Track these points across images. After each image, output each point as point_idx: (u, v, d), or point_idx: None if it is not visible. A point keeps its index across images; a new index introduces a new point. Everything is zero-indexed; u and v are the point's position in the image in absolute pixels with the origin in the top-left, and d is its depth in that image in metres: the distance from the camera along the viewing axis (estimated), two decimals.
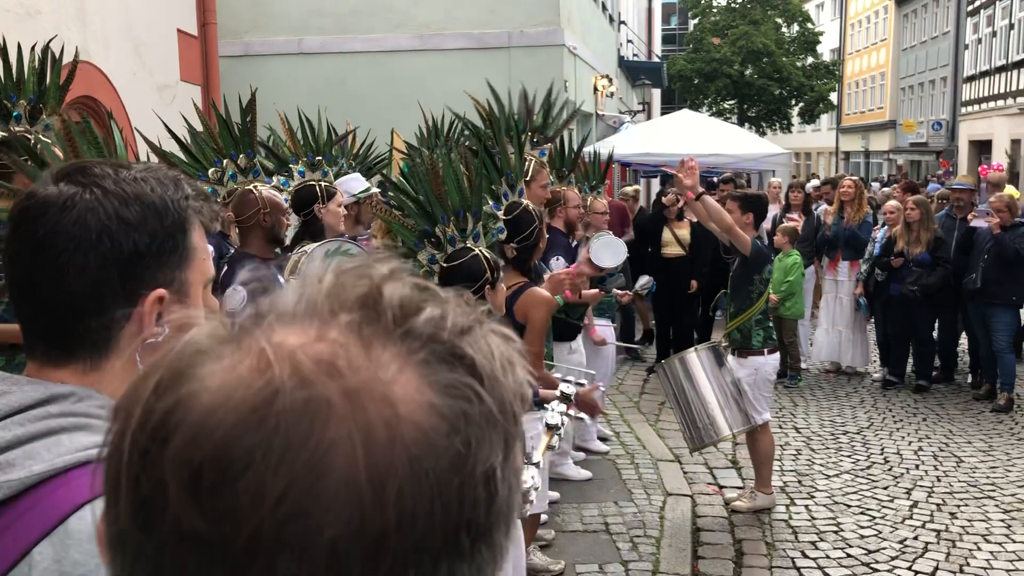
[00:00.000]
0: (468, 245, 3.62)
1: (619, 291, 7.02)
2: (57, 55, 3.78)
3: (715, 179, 12.59)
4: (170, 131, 4.53)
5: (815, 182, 14.69)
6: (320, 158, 5.43)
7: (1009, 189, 9.90)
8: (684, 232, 9.39)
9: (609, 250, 6.03)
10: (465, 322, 0.55)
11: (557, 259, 5.67)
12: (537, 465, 3.42)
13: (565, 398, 3.74)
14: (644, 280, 7.96)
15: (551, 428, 3.58)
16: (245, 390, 0.49)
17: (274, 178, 5.11)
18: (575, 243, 6.39)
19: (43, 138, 3.43)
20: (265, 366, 0.50)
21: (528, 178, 5.17)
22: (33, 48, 3.81)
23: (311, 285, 0.56)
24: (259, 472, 0.48)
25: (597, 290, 5.94)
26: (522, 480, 0.58)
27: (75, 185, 1.18)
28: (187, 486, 0.48)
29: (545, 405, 3.80)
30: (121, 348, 1.19)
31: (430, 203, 3.68)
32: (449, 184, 3.67)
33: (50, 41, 3.77)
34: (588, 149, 8.15)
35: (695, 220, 8.96)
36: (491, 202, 4.42)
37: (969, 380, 9.20)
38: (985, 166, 14.22)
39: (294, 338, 0.52)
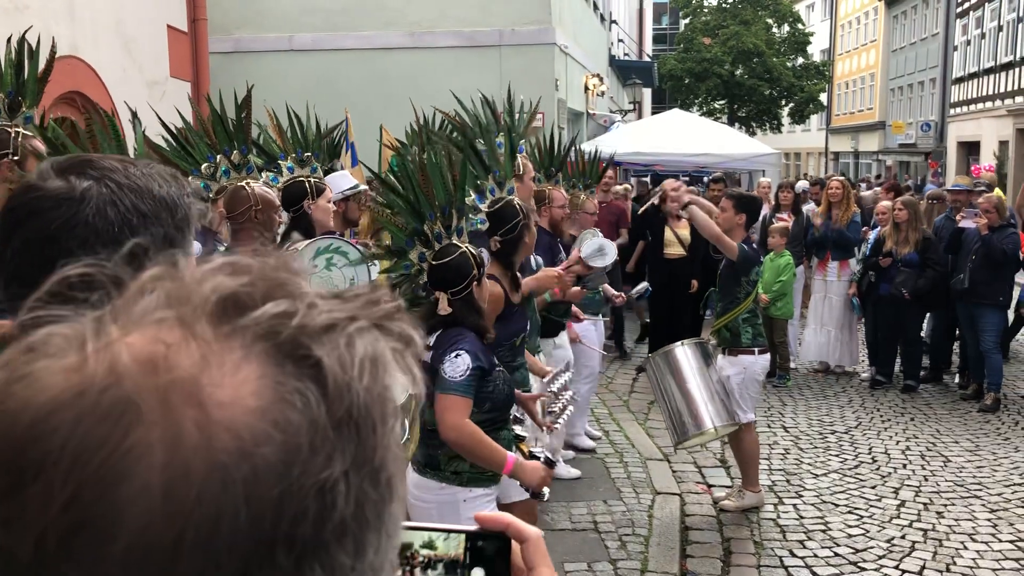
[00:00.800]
0: (455, 242, 3.62)
1: (613, 293, 7.04)
2: (34, 47, 3.74)
3: (705, 179, 12.62)
4: (164, 125, 4.51)
5: (804, 183, 14.74)
6: (309, 154, 5.41)
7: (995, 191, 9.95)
8: (685, 232, 9.37)
9: (600, 251, 6.04)
10: (323, 320, 0.52)
11: (537, 259, 5.66)
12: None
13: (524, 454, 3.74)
14: (641, 287, 8.00)
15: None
16: (52, 390, 0.47)
17: (263, 174, 5.09)
18: (562, 242, 6.38)
19: (25, 131, 3.40)
20: (81, 364, 0.48)
21: (520, 172, 5.19)
22: (9, 40, 3.78)
23: (150, 284, 0.53)
24: (49, 477, 0.45)
25: (579, 288, 5.94)
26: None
27: (87, 178, 1.16)
28: None
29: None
30: None
31: (419, 201, 3.68)
32: (435, 180, 3.67)
33: (26, 32, 3.73)
34: (587, 147, 8.16)
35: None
36: (474, 195, 4.41)
37: (956, 380, 9.25)
38: (977, 166, 14.31)
39: (123, 335, 0.49)
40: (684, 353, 5.73)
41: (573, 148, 6.99)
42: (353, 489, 0.50)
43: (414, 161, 3.87)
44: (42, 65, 3.80)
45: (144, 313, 0.51)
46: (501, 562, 0.77)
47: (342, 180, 5.64)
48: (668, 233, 9.49)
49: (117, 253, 1.12)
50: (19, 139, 3.38)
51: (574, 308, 6.32)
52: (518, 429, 3.71)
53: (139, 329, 0.50)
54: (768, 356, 6.02)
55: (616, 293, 7.12)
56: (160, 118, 4.58)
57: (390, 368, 0.53)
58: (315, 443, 0.49)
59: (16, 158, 3.34)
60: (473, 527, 0.79)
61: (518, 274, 4.51)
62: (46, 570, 0.45)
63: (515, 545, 0.77)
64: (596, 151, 7.59)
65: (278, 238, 4.48)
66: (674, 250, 9.49)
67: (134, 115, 3.65)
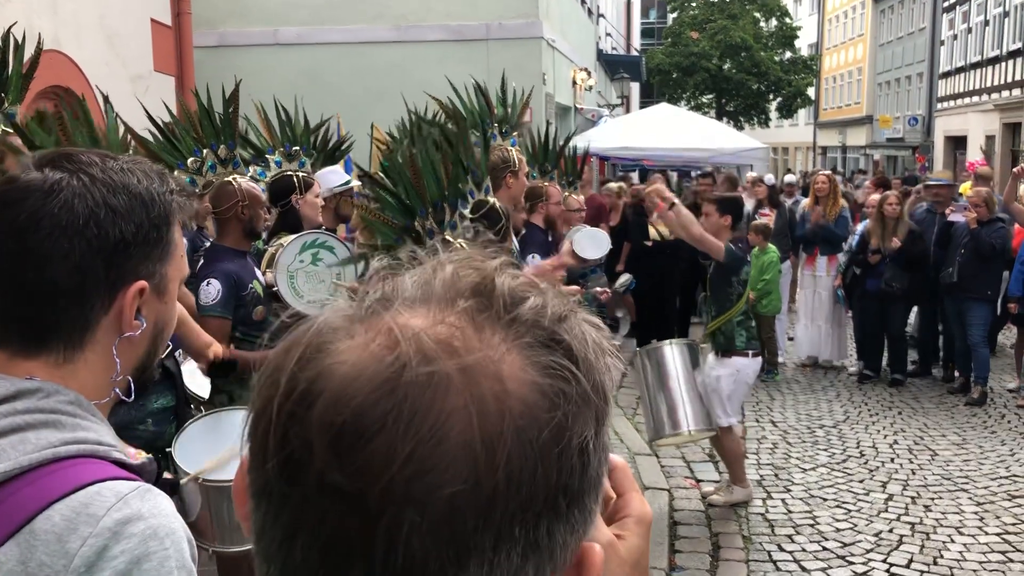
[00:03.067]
0: (447, 237, 3.58)
1: (598, 289, 7.00)
2: (19, 41, 3.68)
3: (693, 174, 12.59)
4: (151, 119, 4.47)
5: (791, 177, 14.74)
6: (297, 148, 5.37)
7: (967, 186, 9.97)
8: (665, 229, 9.42)
9: (592, 242, 5.99)
10: (562, 311, 0.62)
11: (533, 257, 5.62)
12: None
13: None
14: (624, 279, 7.97)
15: None
16: (377, 364, 0.56)
17: (251, 168, 5.05)
18: (557, 241, 6.35)
19: (6, 128, 3.36)
20: (394, 344, 0.57)
21: (515, 168, 5.11)
22: None
23: (430, 273, 0.63)
24: (390, 435, 0.54)
25: (576, 287, 5.91)
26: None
27: (61, 171, 1.16)
28: (330, 445, 0.55)
29: None
30: (97, 340, 1.18)
31: (409, 197, 3.64)
32: (427, 176, 3.63)
33: (11, 27, 3.68)
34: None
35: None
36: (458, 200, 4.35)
37: (942, 374, 9.28)
38: (972, 161, 14.34)
39: (417, 320, 0.59)
40: (672, 353, 5.70)
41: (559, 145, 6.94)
42: (599, 449, 0.61)
43: (404, 157, 3.81)
44: (27, 62, 3.75)
45: (429, 301, 0.60)
46: None
47: (334, 176, 5.60)
48: (652, 231, 9.51)
49: (84, 246, 1.11)
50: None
51: None
52: None
53: (430, 315, 0.59)
54: (760, 360, 6.00)
55: (601, 289, 7.10)
56: (148, 112, 4.54)
57: (607, 352, 0.64)
58: (576, 411, 0.58)
59: None
60: None
61: None
62: (390, 510, 0.54)
63: None
64: (573, 147, 7.53)
65: (265, 233, 4.45)
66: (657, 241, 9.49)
67: (106, 99, 3.60)
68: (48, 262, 1.13)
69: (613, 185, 11.61)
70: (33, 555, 1.00)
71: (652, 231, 9.50)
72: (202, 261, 3.99)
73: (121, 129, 4.09)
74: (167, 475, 2.48)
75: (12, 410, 1.08)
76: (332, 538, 0.56)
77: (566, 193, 6.75)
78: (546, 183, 6.12)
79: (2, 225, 1.15)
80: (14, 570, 1.00)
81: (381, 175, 4.04)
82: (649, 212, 9.40)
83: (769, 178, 12.72)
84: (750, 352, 5.73)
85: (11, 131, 3.40)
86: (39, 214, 1.13)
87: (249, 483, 0.61)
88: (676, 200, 5.78)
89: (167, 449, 3.03)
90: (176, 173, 4.30)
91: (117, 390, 1.22)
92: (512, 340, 0.59)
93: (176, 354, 3.50)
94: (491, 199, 4.36)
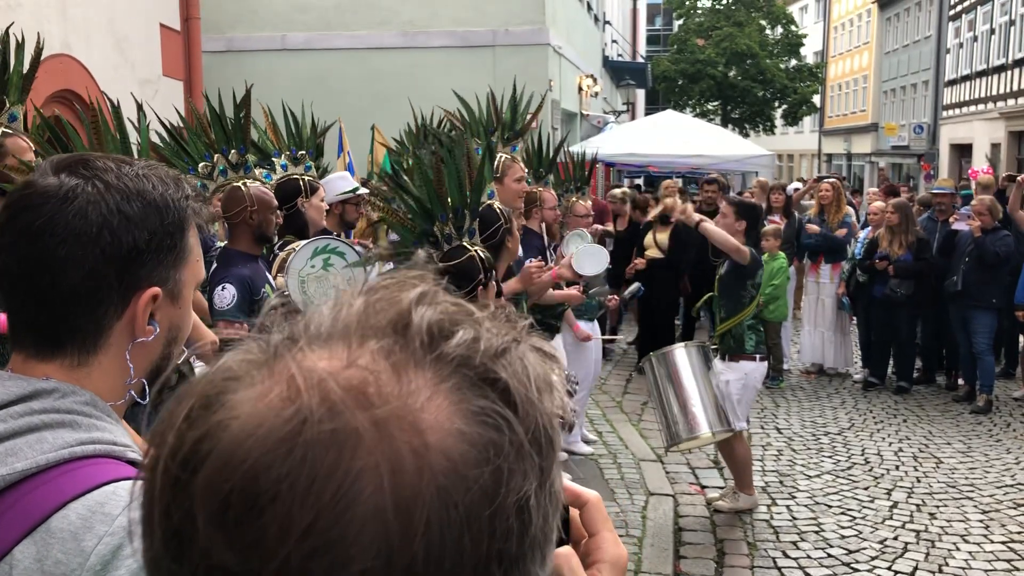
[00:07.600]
0: (464, 244, 3.60)
1: (604, 292, 7.01)
2: (20, 43, 3.69)
3: (699, 180, 12.59)
4: (163, 123, 4.50)
5: (797, 183, 14.73)
6: (303, 152, 5.39)
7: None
8: (663, 236, 9.40)
9: (592, 258, 5.96)
10: (500, 343, 0.54)
11: (530, 261, 5.62)
12: None
13: None
14: (633, 287, 7.98)
15: None
16: (273, 419, 0.49)
17: (256, 171, 5.06)
18: (554, 245, 6.36)
19: (7, 130, 3.36)
20: (295, 395, 0.49)
21: (499, 174, 5.07)
22: None
23: (343, 308, 0.55)
24: (286, 504, 0.47)
25: (576, 290, 5.89)
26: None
27: (77, 177, 1.16)
28: (215, 518, 0.48)
29: None
30: (110, 345, 1.18)
31: (431, 201, 3.65)
32: (450, 182, 3.65)
33: (9, 27, 3.68)
34: (574, 149, 8.14)
35: (677, 224, 8.98)
36: None
37: (946, 382, 9.26)
38: (974, 169, 14.31)
39: (325, 363, 0.51)
40: (684, 355, 5.67)
41: (562, 150, 6.96)
42: (541, 505, 0.52)
43: (429, 160, 3.80)
44: (29, 63, 3.75)
45: (341, 340, 0.52)
46: (560, 530, 0.76)
47: (341, 182, 5.62)
48: (648, 237, 9.49)
49: (97, 253, 1.13)
50: None
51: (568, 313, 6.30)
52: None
53: (340, 356, 0.51)
54: (766, 364, 5.99)
55: (609, 296, 7.11)
56: (159, 117, 4.56)
57: (555, 388, 0.56)
58: (512, 464, 0.51)
59: None
60: None
61: (500, 282, 4.42)
62: None
63: (573, 512, 0.76)
64: (582, 152, 7.54)
65: (275, 238, 4.47)
66: (651, 253, 9.49)
67: (140, 112, 3.62)
68: (62, 268, 1.14)
69: (617, 191, 11.58)
70: (49, 553, 1.01)
71: (648, 238, 9.48)
72: (215, 265, 4.01)
73: (134, 134, 4.10)
74: None
75: (29, 409, 1.09)
76: None
77: (574, 198, 6.77)
78: (540, 188, 6.13)
79: (20, 230, 1.15)
80: (31, 567, 1.00)
81: (405, 178, 4.01)
82: (669, 218, 9.37)
83: (792, 187, 12.70)
84: (758, 356, 5.73)
85: (11, 132, 3.41)
86: (54, 220, 1.13)
87: (141, 553, 0.53)
88: (703, 218, 5.79)
89: None
90: (187, 177, 4.31)
91: (132, 392, 1.23)
92: (435, 383, 0.51)
93: (192, 360, 3.51)
94: (491, 201, 4.34)
